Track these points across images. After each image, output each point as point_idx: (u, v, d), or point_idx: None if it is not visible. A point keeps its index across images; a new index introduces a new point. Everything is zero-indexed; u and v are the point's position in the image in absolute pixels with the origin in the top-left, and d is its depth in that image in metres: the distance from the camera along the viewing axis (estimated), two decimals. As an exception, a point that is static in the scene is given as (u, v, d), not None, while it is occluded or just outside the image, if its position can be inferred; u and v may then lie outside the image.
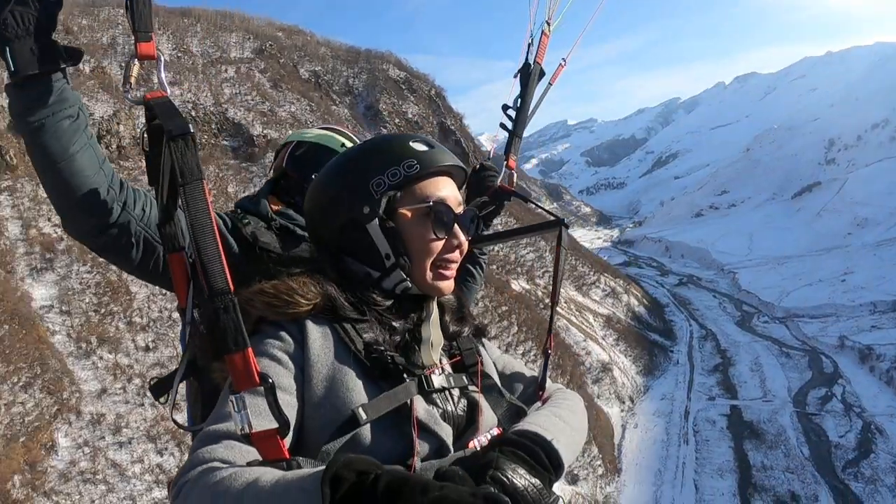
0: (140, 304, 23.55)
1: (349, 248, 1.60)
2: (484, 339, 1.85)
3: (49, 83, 1.55)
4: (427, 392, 1.48)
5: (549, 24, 2.70)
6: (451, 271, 1.63)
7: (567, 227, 2.19)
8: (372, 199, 1.53)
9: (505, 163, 2.65)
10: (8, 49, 1.46)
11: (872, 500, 37.89)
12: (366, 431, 1.35)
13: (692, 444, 45.10)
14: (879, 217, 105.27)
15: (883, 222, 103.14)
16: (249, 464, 1.13)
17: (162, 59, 1.50)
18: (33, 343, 19.98)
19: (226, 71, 43.37)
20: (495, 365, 1.85)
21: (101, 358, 21.52)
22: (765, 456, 42.92)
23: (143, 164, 1.63)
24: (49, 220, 23.82)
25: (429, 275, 1.58)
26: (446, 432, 1.45)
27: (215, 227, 1.22)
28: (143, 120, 1.57)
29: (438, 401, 1.51)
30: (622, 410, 46.88)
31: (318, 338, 1.43)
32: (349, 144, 2.52)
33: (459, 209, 1.62)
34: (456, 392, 1.57)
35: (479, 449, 1.44)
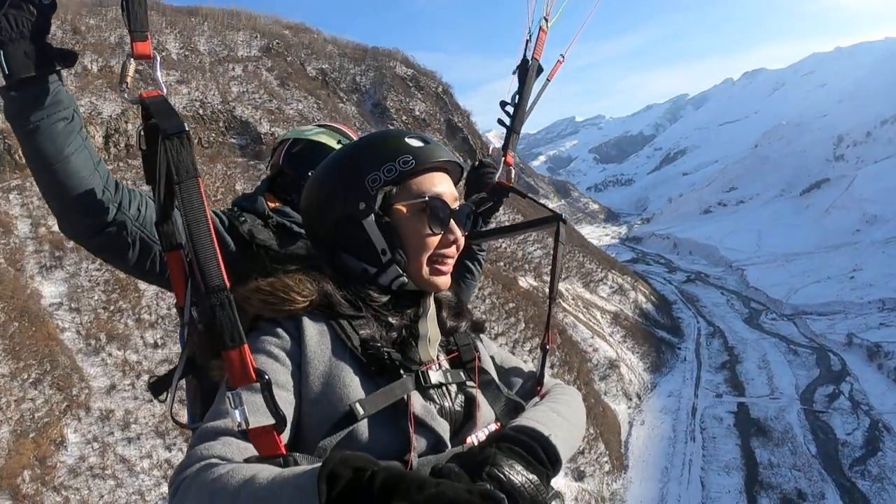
0: (148, 302, 23.66)
1: (345, 245, 1.61)
2: (482, 335, 1.85)
3: (44, 85, 1.56)
4: (424, 388, 1.49)
5: (546, 20, 2.69)
6: (448, 267, 1.64)
7: (565, 222, 2.19)
8: (367, 194, 1.54)
9: (503, 159, 2.66)
10: (2, 52, 1.48)
11: (879, 499, 37.70)
12: (363, 427, 1.36)
13: (699, 441, 44.96)
14: (888, 214, 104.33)
15: (892, 219, 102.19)
16: (247, 460, 1.13)
17: (158, 58, 1.52)
18: (43, 340, 20.11)
19: (233, 69, 43.43)
20: (494, 360, 1.85)
21: (110, 354, 21.67)
22: (771, 453, 42.76)
23: None
24: (58, 218, 23.95)
25: (425, 270, 1.59)
26: (443, 428, 1.46)
27: (211, 225, 1.23)
28: None
29: (436, 397, 1.51)
30: (629, 407, 46.78)
31: (315, 334, 1.44)
32: (345, 141, 2.54)
33: (455, 205, 1.62)
34: (453, 388, 1.57)
35: (476, 445, 1.38)
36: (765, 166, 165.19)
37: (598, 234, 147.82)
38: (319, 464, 0.90)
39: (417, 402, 1.44)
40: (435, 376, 1.52)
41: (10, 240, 23.22)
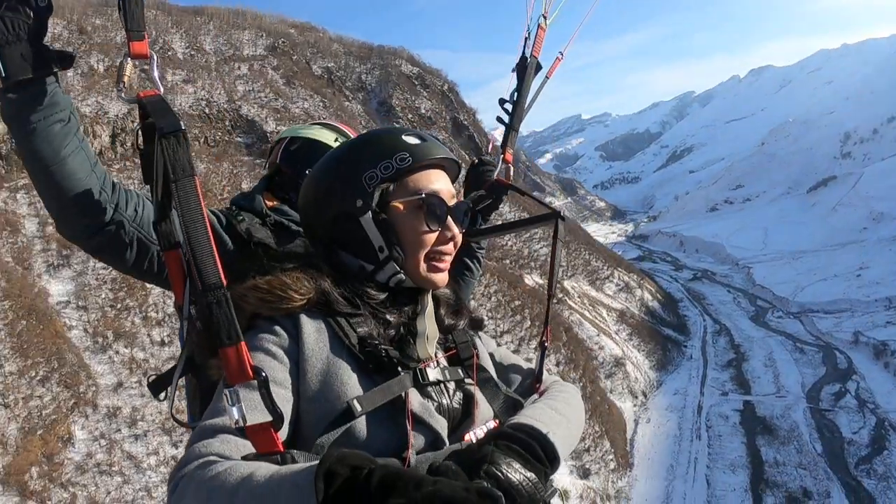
0: (155, 300, 23.73)
1: (343, 242, 1.61)
2: (480, 332, 1.85)
3: (41, 87, 1.56)
4: (422, 385, 1.48)
5: (545, 17, 2.70)
6: (445, 264, 1.64)
7: (563, 219, 2.20)
8: (365, 192, 1.54)
9: (501, 156, 2.65)
10: None
11: (885, 498, 37.60)
12: (361, 424, 1.36)
13: (704, 439, 45.00)
14: (895, 212, 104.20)
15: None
16: (245, 457, 1.14)
17: (155, 58, 1.51)
18: (50, 338, 20.19)
19: (239, 68, 43.47)
20: (493, 357, 1.85)
21: (117, 352, 21.76)
22: (777, 452, 42.74)
23: None
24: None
25: (422, 267, 1.59)
26: (441, 425, 1.45)
27: (207, 223, 1.24)
28: None
29: (434, 394, 1.51)
30: (635, 405, 46.71)
31: (313, 332, 1.44)
32: (343, 139, 2.53)
33: (452, 201, 1.62)
34: (451, 385, 1.57)
35: (474, 442, 1.43)
36: (771, 164, 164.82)
37: (604, 232, 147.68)
38: (317, 462, 0.90)
39: (415, 400, 1.44)
40: (433, 374, 1.52)
41: (17, 238, 23.31)
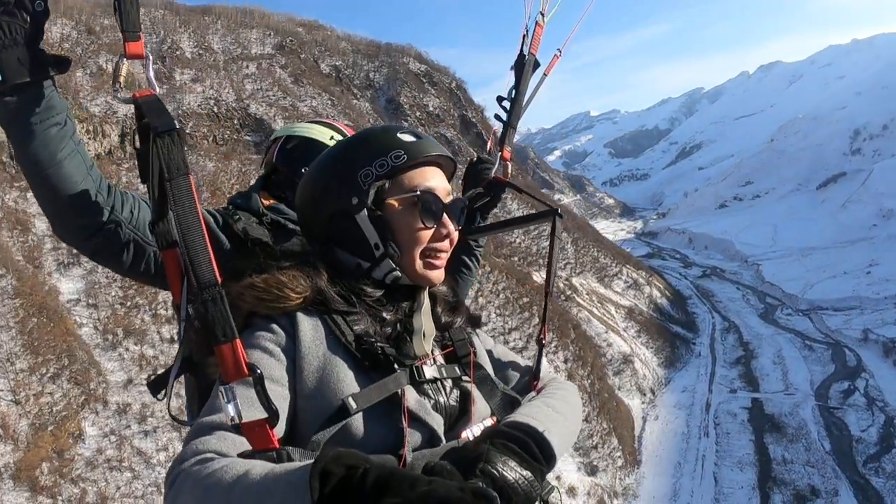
0: (165, 297, 23.78)
1: (339, 240, 1.61)
2: (478, 330, 1.84)
3: (37, 91, 1.56)
4: (418, 383, 1.48)
5: (543, 15, 2.68)
6: (441, 261, 1.63)
7: (561, 216, 2.19)
8: (360, 189, 1.54)
9: (499, 154, 2.65)
10: None
11: (893, 496, 37.44)
12: (357, 421, 1.36)
13: (712, 436, 44.86)
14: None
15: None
16: (241, 454, 1.15)
17: (150, 58, 1.52)
18: (61, 335, 20.35)
19: (247, 67, 43.62)
20: (491, 354, 1.85)
21: (127, 349, 21.94)
22: (785, 449, 42.57)
23: None
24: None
25: (418, 264, 1.58)
26: (437, 422, 1.45)
27: (202, 221, 1.25)
28: None
29: (430, 391, 1.51)
30: (643, 402, 46.68)
31: (309, 330, 1.44)
32: (339, 137, 2.52)
33: (448, 199, 1.62)
34: (448, 383, 1.56)
35: (470, 440, 1.43)
36: (781, 160, 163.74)
37: (613, 229, 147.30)
38: (312, 460, 0.91)
39: (412, 397, 1.44)
40: (429, 371, 1.51)
41: (28, 238, 23.50)
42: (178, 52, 40.81)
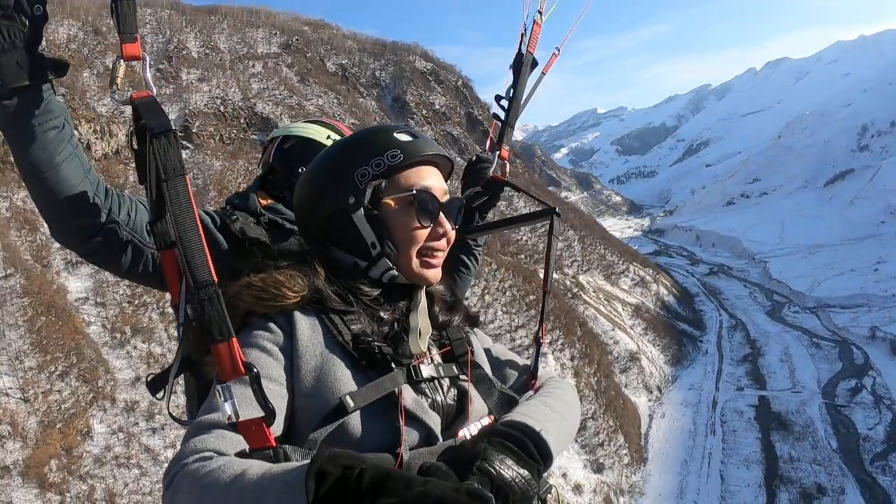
0: (171, 296, 23.96)
1: (336, 239, 1.62)
2: (476, 329, 1.84)
3: (36, 95, 1.57)
4: (416, 381, 1.48)
5: (540, 13, 2.69)
6: (438, 260, 1.64)
7: (559, 215, 2.19)
8: (357, 189, 1.54)
9: (497, 153, 2.65)
10: None
11: (900, 494, 37.20)
12: (354, 420, 1.36)
13: (719, 434, 44.77)
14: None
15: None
16: (238, 453, 1.15)
17: (147, 59, 1.53)
18: (69, 334, 20.45)
19: (253, 66, 43.70)
20: (489, 353, 1.85)
21: (134, 347, 22.03)
22: (792, 447, 42.45)
23: None
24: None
25: (415, 263, 1.59)
26: (434, 421, 1.45)
27: (198, 221, 1.26)
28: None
29: (427, 390, 1.51)
30: (650, 400, 46.58)
31: (307, 329, 1.45)
32: (336, 137, 2.52)
33: (445, 198, 1.63)
34: (446, 381, 1.57)
35: (468, 439, 1.42)
36: (788, 157, 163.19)
37: (620, 227, 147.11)
38: (309, 460, 0.91)
39: (409, 396, 1.44)
40: (426, 370, 1.52)
41: (36, 237, 23.61)
42: (184, 52, 40.92)
